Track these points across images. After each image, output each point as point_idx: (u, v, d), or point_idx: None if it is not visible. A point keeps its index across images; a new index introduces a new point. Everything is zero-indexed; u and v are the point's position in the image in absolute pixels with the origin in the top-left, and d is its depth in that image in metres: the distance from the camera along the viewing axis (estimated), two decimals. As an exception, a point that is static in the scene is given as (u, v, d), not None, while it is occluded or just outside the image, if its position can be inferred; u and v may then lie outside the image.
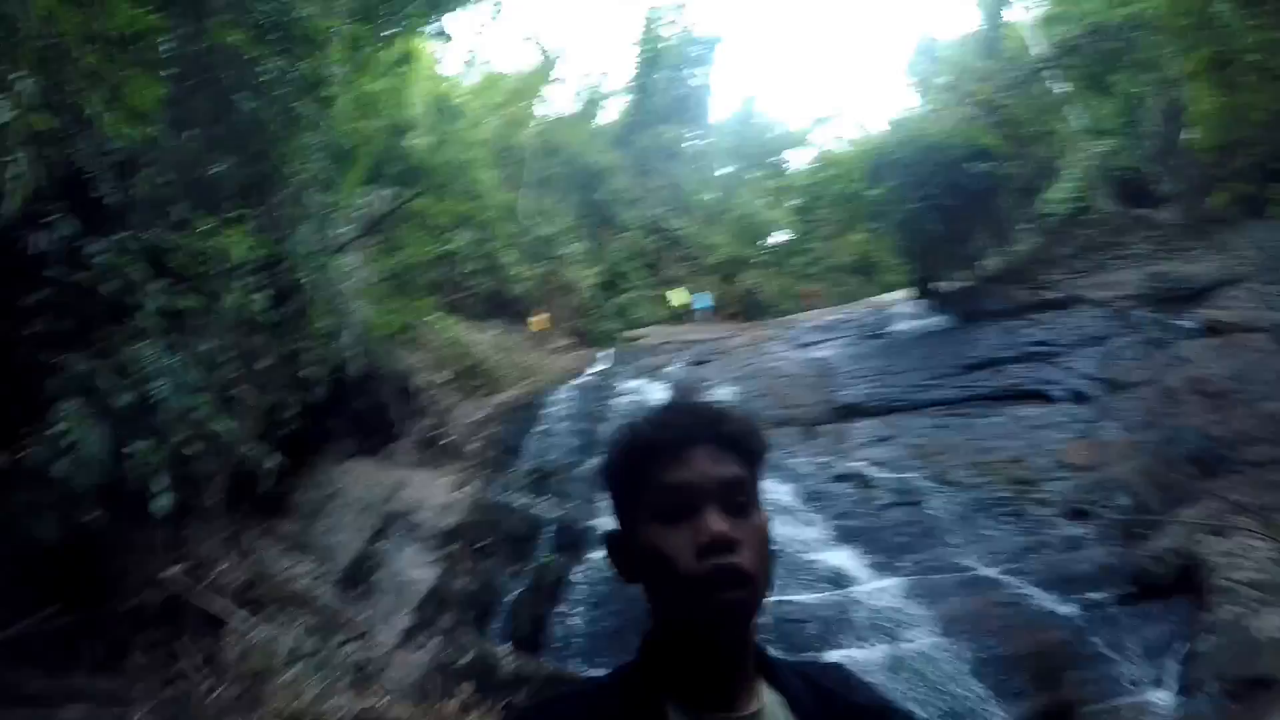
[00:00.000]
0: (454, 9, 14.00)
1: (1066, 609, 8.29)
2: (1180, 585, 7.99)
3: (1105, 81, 18.87)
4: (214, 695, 6.87)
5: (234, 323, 8.51)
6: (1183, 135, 14.86)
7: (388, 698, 7.28)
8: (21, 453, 5.82)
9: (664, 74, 28.59)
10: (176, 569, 7.96)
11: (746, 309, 24.43)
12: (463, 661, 8.24)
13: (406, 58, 14.22)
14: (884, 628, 8.28)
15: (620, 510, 1.14)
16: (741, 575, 1.02)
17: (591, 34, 47.97)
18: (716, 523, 1.03)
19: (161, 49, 6.53)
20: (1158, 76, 16.61)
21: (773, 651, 1.17)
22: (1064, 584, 8.72)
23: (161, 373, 6.97)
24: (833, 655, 7.82)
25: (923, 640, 7.97)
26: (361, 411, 13.63)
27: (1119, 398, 12.68)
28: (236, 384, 8.65)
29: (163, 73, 6.39)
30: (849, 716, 1.15)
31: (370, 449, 13.76)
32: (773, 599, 6.35)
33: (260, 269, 8.79)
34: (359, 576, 10.11)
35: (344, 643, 8.19)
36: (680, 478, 1.06)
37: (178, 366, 7.26)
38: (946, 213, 17.29)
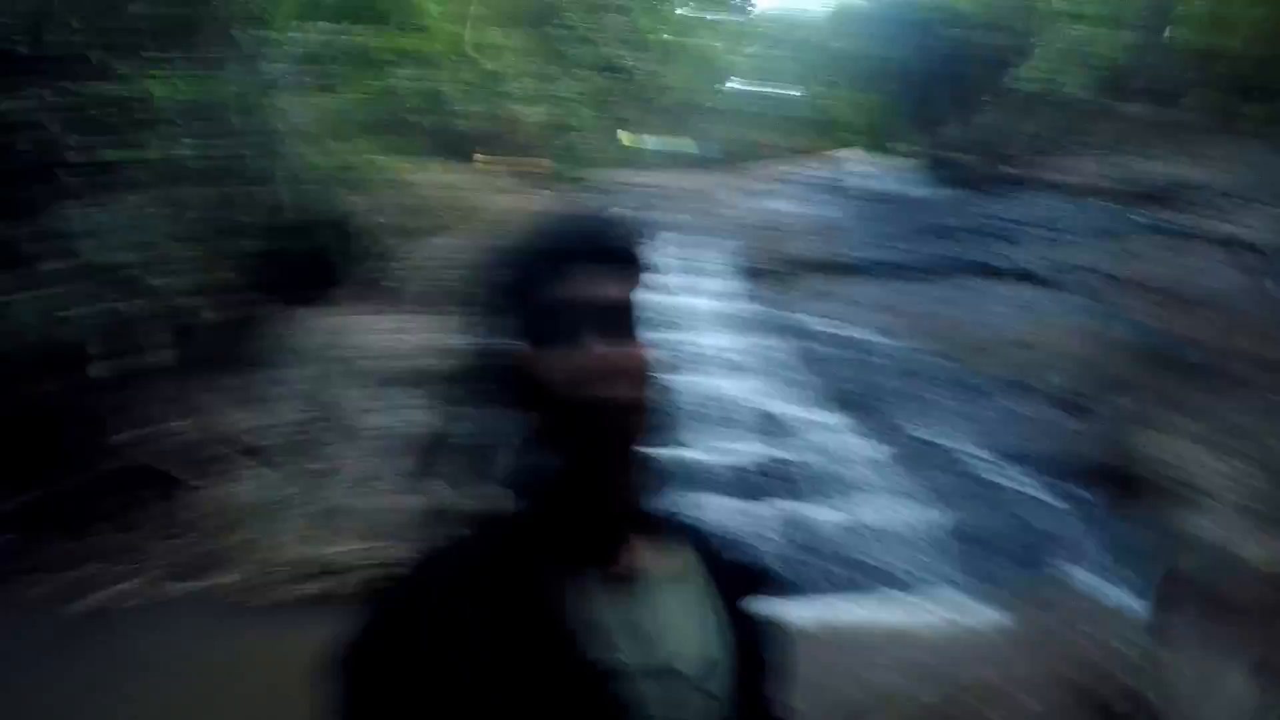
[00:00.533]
0: None
1: (1037, 493, 8.52)
2: (1105, 472, 8.37)
3: (1096, -37, 18.15)
4: (173, 560, 7.04)
5: (163, 173, 8.18)
6: (1167, 33, 14.34)
7: (385, 541, 7.42)
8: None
9: (627, -100, 26.50)
10: (126, 435, 7.95)
11: (700, 155, 23.90)
12: (418, 503, 8.47)
13: None
14: (858, 488, 8.58)
15: (490, 332, 1.03)
16: (625, 402, 0.96)
17: None
18: (597, 346, 0.96)
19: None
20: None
21: (657, 507, 1.09)
22: (1030, 465, 8.91)
23: (89, 232, 6.74)
24: (807, 509, 8.25)
25: (898, 506, 8.31)
26: (300, 257, 13.34)
27: (1065, 279, 12.78)
28: (168, 237, 8.40)
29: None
30: (732, 574, 1.12)
31: (313, 297, 13.57)
32: (704, 449, 6.60)
33: (189, 114, 8.37)
34: (306, 426, 10.20)
35: (296, 495, 8.36)
36: (557, 296, 0.97)
37: (106, 224, 7.02)
38: (911, 74, 16.96)
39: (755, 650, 1.07)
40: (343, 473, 9.24)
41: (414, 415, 10.46)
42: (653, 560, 1.03)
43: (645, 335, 1.02)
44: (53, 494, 7.14)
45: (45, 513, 7.09)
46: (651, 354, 1.02)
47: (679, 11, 28.11)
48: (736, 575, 1.13)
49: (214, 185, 9.31)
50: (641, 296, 1.02)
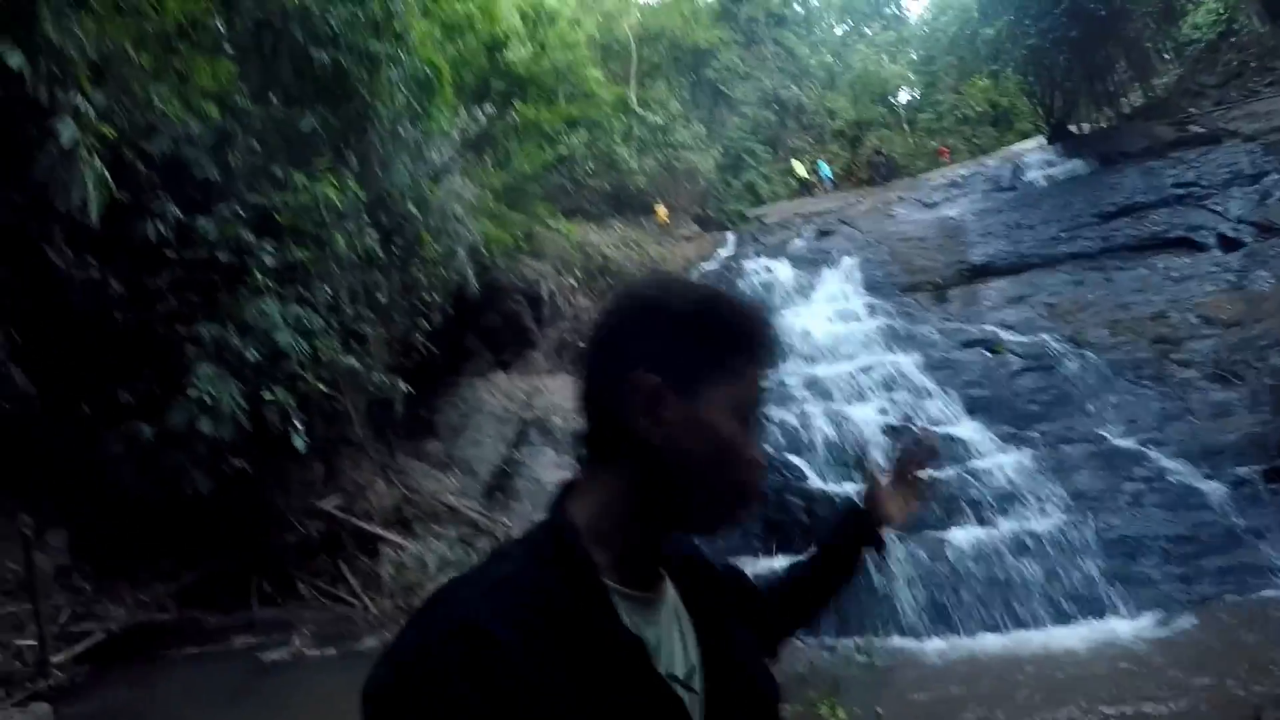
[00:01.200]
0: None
1: (1208, 485, 7.66)
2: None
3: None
4: (371, 612, 7.69)
5: (348, 264, 9.04)
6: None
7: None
8: (166, 420, 6.58)
9: (762, -65, 26.48)
10: (333, 499, 8.83)
11: (876, 173, 23.28)
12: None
13: (494, -25, 14.21)
14: (1008, 504, 7.98)
15: (691, 366, 1.00)
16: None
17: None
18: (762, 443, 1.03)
19: (225, 26, 6.84)
20: None
21: None
22: (1207, 457, 8.10)
23: (283, 324, 7.59)
24: (952, 533, 7.67)
25: (1049, 518, 7.67)
26: (493, 325, 14.26)
27: (1275, 243, 11.28)
28: (360, 321, 9.28)
29: (231, 48, 6.69)
30: (711, 582, 1.18)
31: (507, 361, 14.43)
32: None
33: (367, 209, 9.25)
34: (500, 485, 10.81)
35: (487, 549, 8.84)
36: (761, 395, 1.04)
37: (299, 315, 7.87)
38: (1072, 45, 15.56)
39: (727, 654, 1.11)
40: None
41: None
42: (660, 581, 1.09)
43: None
44: (264, 558, 8.02)
45: (255, 576, 7.99)
46: None
47: (836, 32, 27.52)
48: (714, 589, 1.18)
49: (398, 270, 10.19)
50: None
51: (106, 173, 4.99)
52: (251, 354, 7.26)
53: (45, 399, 7.39)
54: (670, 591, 1.08)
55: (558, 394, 13.08)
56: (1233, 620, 6.17)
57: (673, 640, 1.04)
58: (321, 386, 8.03)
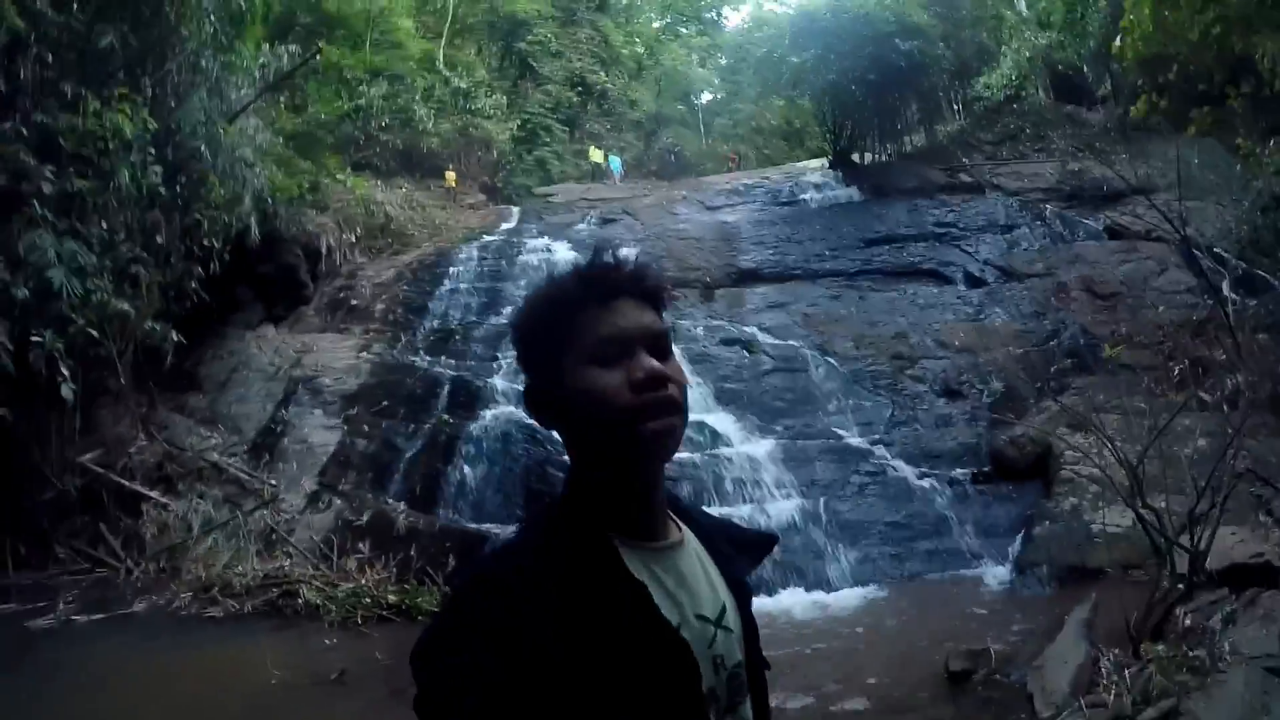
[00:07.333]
0: None
1: (924, 483, 8.93)
2: (1033, 471, 8.62)
3: (1055, -27, 18.66)
4: (134, 575, 7.34)
5: (130, 200, 8.42)
6: (1117, 41, 14.72)
7: (290, 560, 7.83)
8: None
9: (600, -82, 26.57)
10: (92, 454, 8.26)
11: (666, 168, 24.13)
12: (361, 520, 8.62)
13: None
14: (750, 487, 8.91)
15: (543, 361, 1.16)
16: (674, 404, 1.12)
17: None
18: (649, 361, 1.11)
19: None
20: (1106, -25, 16.30)
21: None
22: (927, 459, 9.42)
23: (57, 260, 7.07)
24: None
25: (785, 501, 8.64)
26: (268, 276, 13.53)
27: (1012, 286, 13.03)
28: (136, 262, 8.67)
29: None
30: (740, 544, 1.35)
31: (279, 315, 13.78)
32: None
33: (155, 143, 8.63)
34: (267, 444, 10.40)
35: (253, 510, 8.64)
36: (614, 325, 1.13)
37: (75, 251, 7.34)
38: (870, 87, 17.10)
39: (744, 597, 1.29)
40: (293, 490, 9.50)
41: (360, 432, 10.71)
42: (674, 532, 1.22)
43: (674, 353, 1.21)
44: (17, 516, 7.44)
45: (8, 537, 7.41)
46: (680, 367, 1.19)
47: (649, 25, 28.08)
48: (727, 541, 1.35)
49: (180, 210, 9.59)
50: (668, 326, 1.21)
51: None
52: (21, 291, 6.73)
53: None
54: (691, 540, 1.23)
55: (328, 353, 12.66)
56: (933, 592, 7.35)
57: (699, 583, 1.18)
58: (91, 331, 7.54)
